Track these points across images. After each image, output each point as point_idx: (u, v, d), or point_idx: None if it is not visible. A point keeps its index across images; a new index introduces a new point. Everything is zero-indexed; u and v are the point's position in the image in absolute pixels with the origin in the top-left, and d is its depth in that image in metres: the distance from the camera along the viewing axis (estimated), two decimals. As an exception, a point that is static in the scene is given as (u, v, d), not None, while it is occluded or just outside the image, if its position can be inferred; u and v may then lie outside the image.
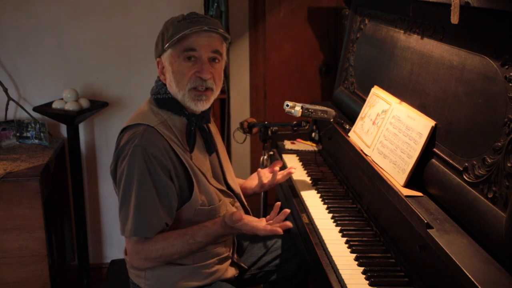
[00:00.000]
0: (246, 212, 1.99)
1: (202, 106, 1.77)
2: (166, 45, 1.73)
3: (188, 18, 1.74)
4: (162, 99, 1.79)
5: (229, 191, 1.93)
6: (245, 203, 2.00)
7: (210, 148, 1.88)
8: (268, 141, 2.30)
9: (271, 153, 2.34)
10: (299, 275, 2.08)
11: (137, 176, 1.68)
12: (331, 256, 1.70)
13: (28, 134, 2.77)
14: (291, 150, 2.65)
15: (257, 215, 2.23)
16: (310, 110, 2.09)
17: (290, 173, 2.11)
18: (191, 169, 1.75)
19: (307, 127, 2.33)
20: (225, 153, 2.01)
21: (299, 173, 2.37)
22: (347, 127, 2.25)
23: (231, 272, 1.93)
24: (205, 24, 1.71)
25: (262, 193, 2.43)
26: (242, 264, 2.01)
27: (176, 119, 1.79)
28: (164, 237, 1.72)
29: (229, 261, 1.93)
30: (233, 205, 1.93)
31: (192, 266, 1.80)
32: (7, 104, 2.78)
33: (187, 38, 1.71)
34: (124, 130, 1.77)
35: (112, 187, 1.84)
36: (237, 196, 1.97)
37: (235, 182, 2.00)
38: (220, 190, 1.87)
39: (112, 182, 1.82)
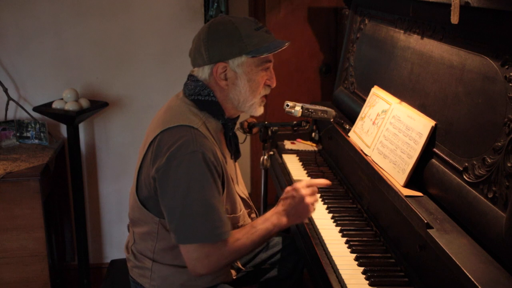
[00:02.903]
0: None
1: (262, 110, 1.81)
2: (251, 54, 1.67)
3: (258, 26, 1.72)
4: (205, 101, 1.73)
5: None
6: (254, 209, 1.98)
7: (237, 154, 1.87)
8: (268, 141, 2.30)
9: (271, 153, 2.33)
10: (294, 276, 2.08)
11: (201, 183, 1.61)
12: (331, 256, 1.70)
13: (28, 134, 2.77)
14: (291, 150, 2.65)
15: (257, 215, 2.23)
16: (310, 110, 2.09)
17: None
18: (226, 174, 1.72)
19: (307, 127, 2.33)
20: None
21: (299, 173, 2.37)
22: (347, 127, 2.25)
23: (233, 272, 1.93)
24: (277, 39, 1.74)
25: (262, 193, 2.43)
26: (239, 266, 2.00)
27: (212, 122, 1.75)
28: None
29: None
30: (249, 215, 1.91)
31: None
32: (7, 104, 2.78)
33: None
34: (162, 132, 1.67)
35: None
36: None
37: (244, 187, 1.99)
38: (242, 199, 1.86)
39: (136, 180, 1.75)
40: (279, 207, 1.74)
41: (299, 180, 2.20)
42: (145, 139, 1.75)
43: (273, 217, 1.72)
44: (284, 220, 1.71)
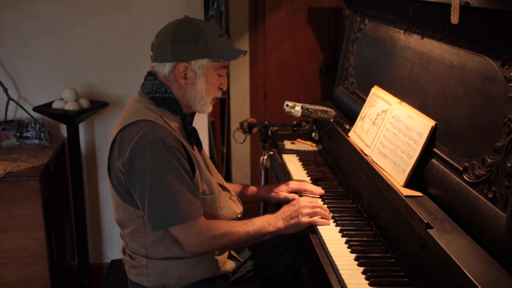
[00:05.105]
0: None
1: (211, 108, 1.91)
2: (213, 58, 1.78)
3: (222, 33, 1.84)
4: (162, 98, 1.82)
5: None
6: (233, 193, 2.05)
7: (199, 145, 1.93)
8: (268, 141, 2.30)
9: (271, 153, 2.34)
10: (292, 271, 2.10)
11: (166, 169, 1.70)
12: (331, 256, 1.70)
13: (28, 134, 2.77)
14: (291, 150, 2.65)
15: (257, 215, 2.23)
16: (310, 110, 2.09)
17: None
18: (194, 158, 1.80)
19: (307, 127, 2.33)
20: (205, 151, 2.06)
21: (299, 173, 2.37)
22: (347, 127, 2.25)
23: (229, 265, 1.98)
24: (237, 47, 1.88)
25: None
26: (237, 257, 2.05)
27: (170, 116, 1.82)
28: (222, 221, 1.82)
29: (227, 253, 1.99)
30: (230, 198, 1.97)
31: (193, 259, 1.83)
32: (7, 104, 2.78)
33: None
34: (121, 131, 1.76)
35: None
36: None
37: (220, 176, 2.05)
38: (219, 185, 1.93)
39: (110, 181, 1.82)
40: (278, 212, 1.90)
41: (302, 180, 2.22)
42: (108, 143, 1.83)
43: (270, 218, 1.87)
44: (280, 223, 1.86)
